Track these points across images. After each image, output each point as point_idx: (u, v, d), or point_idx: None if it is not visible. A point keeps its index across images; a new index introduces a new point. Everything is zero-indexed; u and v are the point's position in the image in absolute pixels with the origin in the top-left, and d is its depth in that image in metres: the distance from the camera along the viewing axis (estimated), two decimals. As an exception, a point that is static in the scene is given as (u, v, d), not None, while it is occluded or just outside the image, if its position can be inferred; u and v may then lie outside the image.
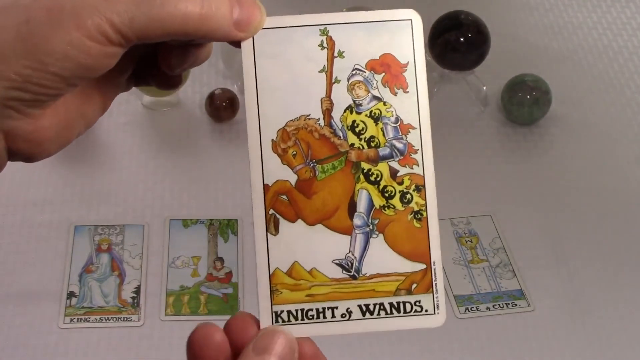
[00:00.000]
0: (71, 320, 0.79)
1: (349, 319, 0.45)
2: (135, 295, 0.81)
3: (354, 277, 0.45)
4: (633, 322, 0.81)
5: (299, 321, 0.45)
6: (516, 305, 0.81)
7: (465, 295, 0.82)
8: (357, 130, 0.45)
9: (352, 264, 0.45)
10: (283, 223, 0.45)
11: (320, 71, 0.45)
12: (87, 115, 0.45)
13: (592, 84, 1.03)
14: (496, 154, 0.95)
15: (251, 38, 0.44)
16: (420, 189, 0.46)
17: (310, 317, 0.45)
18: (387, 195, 0.45)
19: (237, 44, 0.44)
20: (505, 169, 0.94)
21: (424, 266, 0.46)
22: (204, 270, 0.83)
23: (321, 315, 0.45)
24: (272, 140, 0.45)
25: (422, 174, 0.46)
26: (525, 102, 0.95)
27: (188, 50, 0.45)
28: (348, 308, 0.45)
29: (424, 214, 0.46)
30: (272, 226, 0.45)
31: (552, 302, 0.82)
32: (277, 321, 0.45)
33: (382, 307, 0.45)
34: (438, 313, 0.46)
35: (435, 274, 0.46)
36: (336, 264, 0.45)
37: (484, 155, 0.95)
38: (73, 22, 0.39)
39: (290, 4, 1.08)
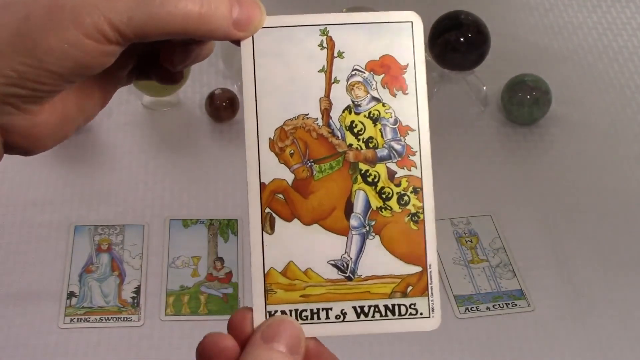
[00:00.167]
0: (71, 320, 0.79)
1: (343, 321, 0.45)
2: (135, 295, 0.81)
3: (349, 279, 0.45)
4: (633, 322, 0.81)
5: (289, 317, 0.45)
6: (516, 305, 0.81)
7: (465, 295, 0.82)
8: (355, 130, 0.45)
9: (347, 265, 0.45)
10: (279, 222, 0.45)
11: (320, 71, 0.45)
12: (86, 110, 0.45)
13: (592, 84, 1.03)
14: (496, 154, 0.95)
15: (251, 36, 0.44)
16: (417, 191, 0.45)
17: (304, 318, 0.45)
18: (384, 196, 0.45)
19: (236, 42, 0.44)
20: (505, 169, 0.94)
21: (420, 269, 0.45)
22: (204, 270, 0.83)
23: (315, 316, 0.45)
24: (270, 138, 0.45)
25: (420, 176, 0.45)
26: (525, 102, 0.95)
27: (190, 47, 0.45)
28: (342, 309, 0.45)
29: (421, 216, 0.45)
30: (267, 225, 0.45)
31: (552, 302, 0.82)
32: None
33: (376, 309, 0.45)
34: (433, 316, 0.45)
35: (431, 277, 0.45)
36: (332, 264, 0.45)
37: (484, 155, 0.95)
38: (72, 21, 0.39)
39: (291, 4, 1.08)
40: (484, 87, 0.99)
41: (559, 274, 0.84)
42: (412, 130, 0.45)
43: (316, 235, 0.45)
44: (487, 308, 0.81)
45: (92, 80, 0.44)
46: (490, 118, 0.99)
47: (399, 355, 0.77)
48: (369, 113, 0.45)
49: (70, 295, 0.80)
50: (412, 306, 0.45)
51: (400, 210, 0.45)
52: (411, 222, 0.45)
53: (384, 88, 0.45)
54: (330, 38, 0.45)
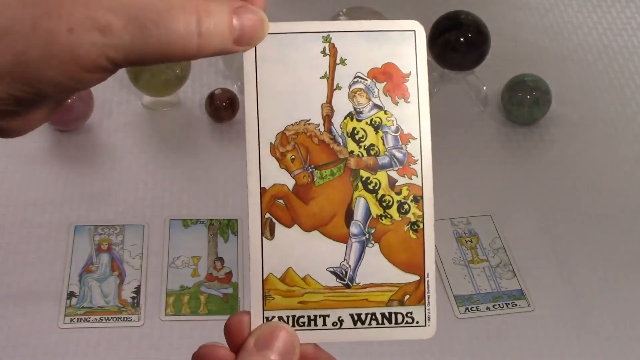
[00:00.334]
0: (71, 320, 0.79)
1: (340, 328, 0.45)
2: (135, 295, 0.81)
3: (347, 286, 0.45)
4: (633, 322, 0.81)
5: (282, 323, 0.45)
6: (516, 305, 0.81)
7: (465, 295, 0.82)
8: (357, 137, 0.45)
9: (346, 272, 0.45)
10: (279, 228, 0.45)
11: (322, 77, 0.45)
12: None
13: (592, 84, 1.03)
14: (496, 154, 0.95)
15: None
16: (418, 199, 0.45)
17: (301, 324, 0.45)
18: (384, 204, 0.45)
19: None
20: (505, 169, 0.94)
21: (417, 278, 0.45)
22: (204, 270, 0.83)
23: (312, 322, 0.45)
24: (271, 143, 0.45)
25: (421, 185, 0.45)
26: (525, 102, 0.95)
27: None
28: (340, 317, 0.45)
29: (421, 225, 0.45)
30: (267, 230, 0.45)
31: (552, 302, 0.82)
32: None
33: (373, 317, 0.45)
34: (429, 325, 0.46)
35: (428, 286, 0.45)
36: (330, 271, 0.45)
37: (484, 155, 0.95)
38: (70, 58, 0.40)
39: (291, 3, 1.09)
40: (484, 87, 0.99)
41: (559, 274, 0.84)
42: (414, 138, 0.45)
43: (316, 241, 0.45)
44: (487, 308, 0.81)
45: None
46: (490, 118, 0.99)
47: (399, 355, 0.77)
48: (371, 120, 0.45)
49: (70, 295, 0.80)
50: (409, 315, 0.45)
51: (400, 219, 0.45)
52: (410, 231, 0.45)
53: (386, 96, 0.45)
54: (333, 45, 0.45)
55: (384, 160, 0.45)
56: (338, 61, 0.45)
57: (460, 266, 0.84)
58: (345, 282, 0.45)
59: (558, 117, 0.98)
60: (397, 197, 0.45)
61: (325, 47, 0.45)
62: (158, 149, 0.94)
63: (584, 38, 1.09)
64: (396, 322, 0.45)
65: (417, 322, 0.45)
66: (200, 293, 0.81)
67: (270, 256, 0.45)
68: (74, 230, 0.85)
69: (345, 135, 0.45)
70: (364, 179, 0.45)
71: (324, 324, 0.45)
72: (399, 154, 0.45)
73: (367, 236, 0.45)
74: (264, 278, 0.45)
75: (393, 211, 0.45)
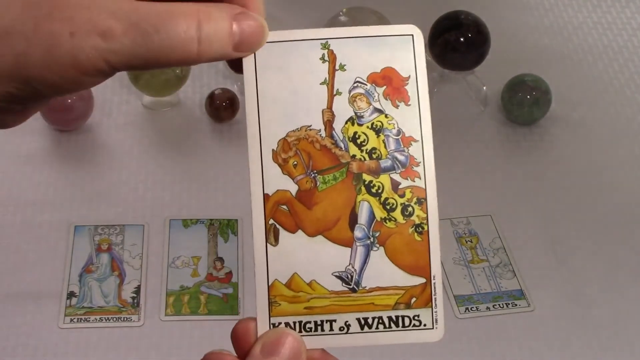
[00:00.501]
0: (71, 320, 0.79)
1: (347, 332, 0.45)
2: (135, 295, 0.81)
3: (353, 290, 0.45)
4: (633, 322, 0.81)
5: (288, 328, 0.45)
6: (516, 305, 0.81)
7: (465, 295, 0.82)
8: (358, 141, 0.45)
9: (352, 276, 0.45)
10: (283, 233, 0.45)
11: (322, 83, 0.45)
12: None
13: (592, 84, 1.03)
14: (496, 154, 0.95)
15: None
16: (421, 202, 0.45)
17: (308, 330, 0.45)
18: (388, 207, 0.45)
19: None
20: (505, 169, 0.94)
21: (423, 280, 0.46)
22: (204, 270, 0.83)
23: (319, 328, 0.45)
24: (273, 150, 0.45)
25: (424, 187, 0.45)
26: (525, 102, 0.95)
27: None
28: (346, 321, 0.45)
29: (425, 227, 0.45)
30: (272, 236, 0.45)
31: (552, 302, 0.82)
32: None
33: (380, 321, 0.45)
34: (436, 328, 0.46)
35: (434, 288, 0.46)
36: (336, 276, 0.45)
37: (484, 155, 0.95)
38: (70, 62, 0.40)
39: (291, 3, 1.08)
40: (484, 87, 0.99)
41: (559, 274, 0.84)
42: (415, 141, 0.45)
43: (320, 246, 0.45)
44: (487, 308, 0.81)
45: None
46: (490, 118, 0.99)
47: (399, 355, 0.77)
48: (372, 124, 0.45)
49: (70, 295, 0.80)
50: (416, 317, 0.45)
51: (404, 221, 0.45)
52: (415, 233, 0.45)
53: (386, 99, 0.45)
54: (332, 51, 0.45)
55: (386, 163, 0.45)
56: (337, 67, 0.45)
57: (460, 266, 0.84)
58: (351, 287, 0.45)
59: (558, 117, 0.98)
60: (400, 200, 0.45)
61: (324, 53, 0.45)
62: (158, 149, 0.94)
63: (584, 38, 1.09)
64: (403, 326, 0.45)
65: (425, 325, 0.46)
66: (200, 293, 0.81)
67: (275, 262, 0.45)
68: (74, 230, 0.85)
69: (346, 139, 0.45)
70: (366, 182, 0.45)
71: (331, 329, 0.45)
72: (401, 157, 0.45)
73: (371, 240, 0.45)
74: (270, 284, 0.45)
75: (397, 214, 0.45)
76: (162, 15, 0.40)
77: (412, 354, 0.77)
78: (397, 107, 0.45)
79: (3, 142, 0.92)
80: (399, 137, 0.45)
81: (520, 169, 0.94)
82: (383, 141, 0.45)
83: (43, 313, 0.79)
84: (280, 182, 0.45)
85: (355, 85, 0.45)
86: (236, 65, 0.44)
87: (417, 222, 0.45)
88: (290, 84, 0.45)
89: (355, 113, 0.45)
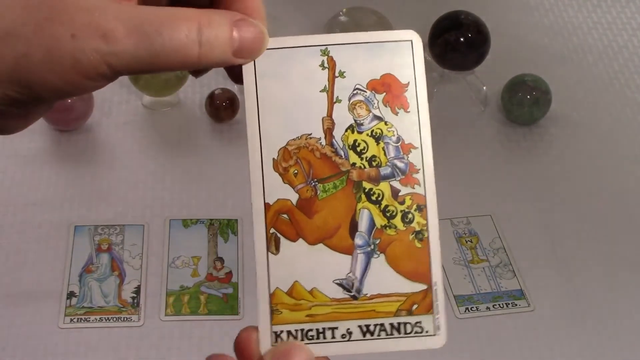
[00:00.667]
0: (71, 320, 0.79)
1: (349, 340, 0.45)
2: (135, 295, 0.81)
3: (354, 298, 0.45)
4: (633, 322, 0.81)
5: (299, 341, 0.45)
6: (516, 305, 0.81)
7: (465, 295, 0.82)
8: (358, 149, 0.45)
9: (353, 284, 0.45)
10: (284, 242, 0.45)
11: (322, 91, 0.45)
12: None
13: (592, 84, 1.03)
14: (496, 154, 0.95)
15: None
16: (421, 208, 0.46)
17: (310, 338, 0.45)
18: (388, 214, 0.45)
19: None
20: (505, 169, 0.94)
21: (425, 287, 0.46)
22: (204, 270, 0.83)
23: (321, 335, 0.45)
24: (274, 159, 0.45)
25: (424, 194, 0.46)
26: (525, 102, 0.95)
27: None
28: (348, 328, 0.45)
29: (425, 234, 0.46)
30: (272, 245, 0.45)
31: (552, 302, 0.82)
32: (276, 341, 0.45)
33: (382, 328, 0.45)
34: (439, 334, 0.46)
35: (436, 294, 0.45)
36: (337, 283, 0.45)
37: (484, 155, 0.95)
38: (72, 64, 0.40)
39: (291, 3, 1.08)
40: (484, 87, 0.99)
41: (559, 274, 0.84)
42: (415, 148, 0.45)
43: (321, 254, 0.45)
44: (487, 308, 0.81)
45: None
46: (490, 118, 0.99)
47: (399, 355, 0.77)
48: (372, 132, 0.45)
49: (70, 295, 0.80)
50: (418, 324, 0.45)
51: (404, 228, 0.45)
52: (416, 240, 0.46)
53: (386, 106, 0.45)
54: (331, 58, 0.45)
55: (386, 170, 0.45)
56: (337, 74, 0.45)
57: (460, 266, 0.84)
58: (352, 294, 0.45)
59: (558, 117, 0.98)
60: (400, 207, 0.45)
61: (323, 60, 0.45)
62: (158, 149, 0.94)
63: (584, 38, 1.09)
64: (405, 332, 0.45)
65: (427, 332, 0.45)
66: (200, 293, 0.81)
67: (277, 270, 0.45)
68: (74, 230, 0.85)
69: (346, 147, 0.45)
70: (366, 190, 0.45)
71: (333, 337, 0.45)
72: (400, 164, 0.45)
73: (372, 247, 0.45)
74: (271, 292, 0.45)
75: (397, 221, 0.45)
76: (164, 18, 0.40)
77: (412, 354, 0.77)
78: (396, 114, 0.45)
79: (3, 142, 0.92)
80: (399, 144, 0.45)
81: (520, 169, 0.94)
82: (383, 149, 0.45)
83: (43, 313, 0.79)
84: (281, 191, 0.45)
85: (354, 92, 0.45)
86: (236, 75, 0.45)
87: (418, 228, 0.46)
88: (290, 91, 0.45)
89: (355, 121, 0.45)
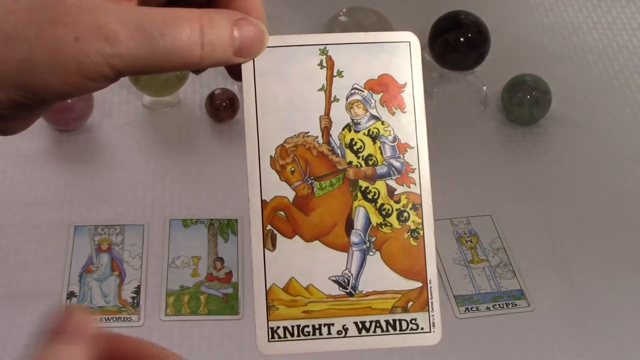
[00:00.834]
0: (71, 320, 0.79)
1: (345, 336, 0.45)
2: (135, 295, 0.81)
3: (350, 294, 0.46)
4: (633, 322, 0.81)
5: (295, 337, 0.45)
6: (516, 305, 0.81)
7: (465, 295, 0.82)
8: (355, 148, 0.46)
9: (348, 281, 0.46)
10: (280, 239, 0.45)
11: (320, 90, 0.45)
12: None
13: (592, 84, 1.03)
14: (496, 154, 0.95)
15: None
16: (417, 207, 0.46)
17: (306, 334, 0.45)
18: (384, 213, 0.46)
19: None
20: (505, 169, 0.94)
21: (420, 284, 0.46)
22: (204, 270, 0.83)
23: (317, 331, 0.45)
24: (271, 156, 0.45)
25: (419, 193, 0.46)
26: (525, 102, 0.95)
27: None
28: (344, 325, 0.45)
29: (421, 232, 0.46)
30: (269, 242, 0.45)
31: (552, 302, 0.82)
32: (273, 337, 0.45)
33: (378, 325, 0.46)
34: (434, 331, 0.46)
35: (431, 292, 0.46)
36: (333, 280, 0.45)
37: (484, 155, 0.95)
38: (75, 66, 0.40)
39: (291, 3, 1.08)
40: (484, 87, 0.99)
41: (559, 274, 0.84)
42: (411, 147, 0.46)
43: (317, 251, 0.45)
44: (487, 308, 0.81)
45: None
46: (490, 118, 0.99)
47: (399, 355, 0.77)
48: (368, 131, 0.46)
49: (70, 295, 0.80)
50: (413, 321, 0.46)
51: (400, 227, 0.46)
52: (411, 238, 0.46)
53: (383, 106, 0.46)
54: (330, 57, 0.45)
55: (382, 169, 0.46)
56: (335, 73, 0.46)
57: (460, 266, 0.84)
58: (348, 291, 0.46)
59: (558, 117, 0.98)
60: (396, 206, 0.46)
61: (322, 59, 0.45)
62: (158, 149, 0.94)
63: (584, 38, 1.09)
64: (401, 329, 0.46)
65: (422, 329, 0.46)
66: (200, 293, 0.81)
67: (273, 267, 0.45)
68: (74, 230, 0.85)
69: (343, 146, 0.46)
70: (363, 188, 0.46)
71: (329, 333, 0.45)
72: (397, 163, 0.46)
73: (367, 244, 0.46)
74: (267, 289, 0.45)
75: (393, 219, 0.46)
76: (167, 19, 0.40)
77: (411, 354, 0.77)
78: (393, 114, 0.46)
79: (3, 142, 0.92)
80: (395, 143, 0.46)
81: (520, 169, 0.94)
82: (379, 148, 0.46)
83: (43, 313, 0.79)
84: (278, 189, 0.45)
85: (352, 91, 0.46)
86: (235, 73, 0.45)
87: (413, 227, 0.46)
88: (289, 90, 0.45)
89: (352, 120, 0.46)
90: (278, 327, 0.45)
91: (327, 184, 0.46)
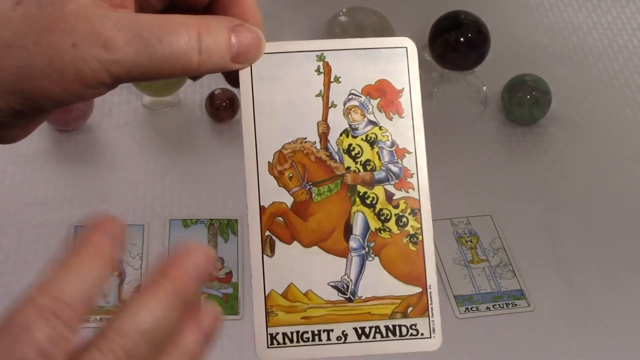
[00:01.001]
0: (71, 320, 0.79)
1: (344, 342, 0.45)
2: (135, 295, 0.81)
3: (349, 300, 0.45)
4: (633, 322, 0.81)
5: (294, 343, 0.45)
6: (516, 305, 0.81)
7: (465, 295, 0.82)
8: (353, 153, 0.46)
9: (347, 286, 0.45)
10: (279, 245, 0.45)
11: (317, 95, 0.46)
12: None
13: (592, 84, 1.03)
14: (496, 154, 0.95)
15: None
16: (415, 212, 0.46)
17: (306, 340, 0.45)
18: (382, 218, 0.46)
19: None
20: (505, 169, 0.94)
21: (419, 290, 0.46)
22: (204, 270, 0.83)
23: (316, 337, 0.45)
24: (269, 162, 0.45)
25: (418, 198, 0.46)
26: (525, 102, 0.95)
27: None
28: (344, 331, 0.45)
29: (420, 237, 0.46)
30: (268, 248, 0.45)
31: (552, 302, 0.82)
32: (272, 343, 0.45)
33: (377, 330, 0.46)
34: (434, 337, 0.46)
35: (431, 297, 0.46)
36: (332, 286, 0.45)
37: (484, 155, 0.95)
38: (74, 73, 0.40)
39: (291, 3, 1.08)
40: (484, 87, 0.99)
41: (559, 274, 0.84)
42: (409, 152, 0.46)
43: (316, 257, 0.45)
44: (487, 308, 0.81)
45: None
46: (490, 118, 0.99)
47: (399, 355, 0.77)
48: (366, 136, 0.46)
49: (70, 295, 0.80)
50: (413, 327, 0.46)
51: (399, 232, 0.46)
52: (410, 243, 0.46)
53: (380, 112, 0.46)
54: (327, 63, 0.46)
55: (380, 175, 0.46)
56: (332, 79, 0.46)
57: (460, 266, 0.84)
58: (347, 296, 0.45)
59: (558, 117, 0.98)
60: (395, 211, 0.46)
61: (319, 65, 0.46)
62: (158, 149, 0.94)
63: (584, 38, 1.09)
64: (401, 335, 0.46)
65: (422, 334, 0.46)
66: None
67: (272, 273, 0.45)
68: (74, 230, 0.85)
69: (341, 151, 0.46)
70: (361, 194, 0.46)
71: (328, 339, 0.45)
72: (395, 169, 0.46)
73: (366, 250, 0.46)
74: (266, 295, 0.45)
75: (392, 224, 0.46)
76: (164, 26, 0.40)
77: (412, 354, 0.77)
78: (391, 119, 0.46)
79: (3, 142, 0.92)
80: (393, 149, 0.46)
81: (520, 169, 0.94)
82: (377, 153, 0.46)
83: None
84: (276, 194, 0.45)
85: (350, 97, 0.46)
86: (233, 79, 0.45)
87: (412, 232, 0.46)
88: (286, 95, 0.45)
89: (350, 125, 0.46)
90: (277, 333, 0.45)
91: (326, 190, 0.46)
